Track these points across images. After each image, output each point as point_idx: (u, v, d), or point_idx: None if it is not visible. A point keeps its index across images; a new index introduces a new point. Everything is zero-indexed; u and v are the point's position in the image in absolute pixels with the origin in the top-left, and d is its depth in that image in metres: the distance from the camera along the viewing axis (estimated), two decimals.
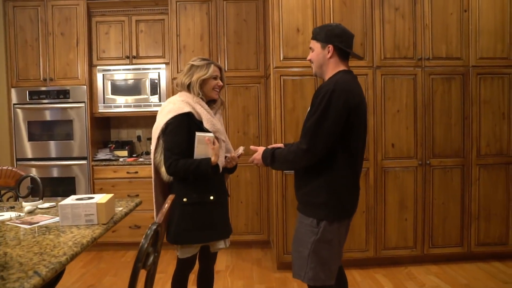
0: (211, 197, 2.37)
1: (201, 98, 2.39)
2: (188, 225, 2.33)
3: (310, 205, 2.12)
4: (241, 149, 2.48)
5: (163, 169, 2.33)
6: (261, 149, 2.28)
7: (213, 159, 2.29)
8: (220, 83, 2.46)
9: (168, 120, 2.29)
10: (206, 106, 2.38)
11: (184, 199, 2.32)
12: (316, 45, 2.21)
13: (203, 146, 2.29)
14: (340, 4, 3.74)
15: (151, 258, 1.39)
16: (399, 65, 3.81)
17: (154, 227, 1.35)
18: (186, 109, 2.31)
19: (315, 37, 2.22)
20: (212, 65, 2.42)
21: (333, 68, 2.17)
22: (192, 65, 2.42)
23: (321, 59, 2.18)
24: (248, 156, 2.49)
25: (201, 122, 2.35)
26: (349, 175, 2.12)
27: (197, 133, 2.30)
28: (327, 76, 2.20)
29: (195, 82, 2.37)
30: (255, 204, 4.51)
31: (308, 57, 2.27)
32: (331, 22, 3.73)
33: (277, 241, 3.80)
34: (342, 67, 2.18)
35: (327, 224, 2.07)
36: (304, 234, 2.13)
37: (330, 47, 2.14)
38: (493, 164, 3.90)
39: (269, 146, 2.32)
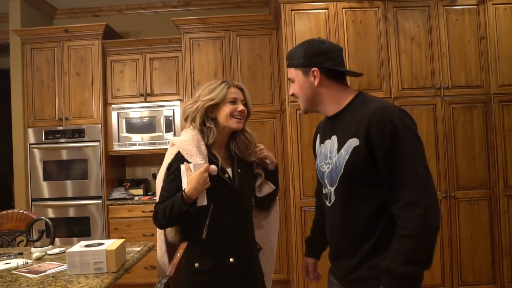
0: (231, 260, 1.88)
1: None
2: None
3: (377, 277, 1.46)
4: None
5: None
6: None
7: (186, 189, 1.78)
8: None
9: None
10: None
11: (196, 264, 1.88)
12: (295, 74, 1.62)
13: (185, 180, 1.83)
14: (354, 35, 3.69)
15: None
16: (418, 95, 3.71)
17: (165, 280, 1.25)
18: None
19: (291, 63, 1.64)
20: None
21: (334, 97, 1.60)
22: None
23: (307, 90, 1.60)
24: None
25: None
26: None
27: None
28: (330, 110, 1.63)
29: None
30: None
31: (290, 92, 1.69)
32: (344, 53, 3.68)
33: (297, 280, 3.64)
34: (351, 92, 1.63)
35: None
36: None
37: (316, 70, 1.57)
38: None
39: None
